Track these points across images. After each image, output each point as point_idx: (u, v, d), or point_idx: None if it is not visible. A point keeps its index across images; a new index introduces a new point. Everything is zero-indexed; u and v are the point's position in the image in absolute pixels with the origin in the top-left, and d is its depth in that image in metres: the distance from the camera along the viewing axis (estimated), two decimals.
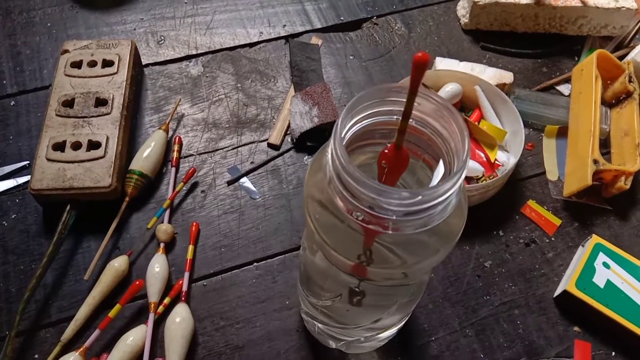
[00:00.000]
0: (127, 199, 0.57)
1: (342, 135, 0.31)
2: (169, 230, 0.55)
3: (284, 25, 0.73)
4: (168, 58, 0.69)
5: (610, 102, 0.66)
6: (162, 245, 0.55)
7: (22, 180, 0.59)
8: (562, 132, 0.65)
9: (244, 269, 0.55)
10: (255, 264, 0.56)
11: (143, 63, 0.68)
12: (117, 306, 0.50)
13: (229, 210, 0.59)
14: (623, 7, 0.70)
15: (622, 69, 0.65)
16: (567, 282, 0.53)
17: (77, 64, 0.62)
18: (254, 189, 0.60)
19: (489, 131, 0.60)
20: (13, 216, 0.57)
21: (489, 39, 0.73)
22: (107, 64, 0.62)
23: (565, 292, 0.53)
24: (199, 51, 0.70)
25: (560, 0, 0.70)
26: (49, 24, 0.71)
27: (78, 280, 0.54)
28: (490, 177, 0.58)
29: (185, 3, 0.75)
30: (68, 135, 0.57)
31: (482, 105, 0.63)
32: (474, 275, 0.56)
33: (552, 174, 0.63)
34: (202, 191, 0.60)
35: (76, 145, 0.56)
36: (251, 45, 0.71)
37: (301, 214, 0.58)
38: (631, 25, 0.74)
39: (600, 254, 0.55)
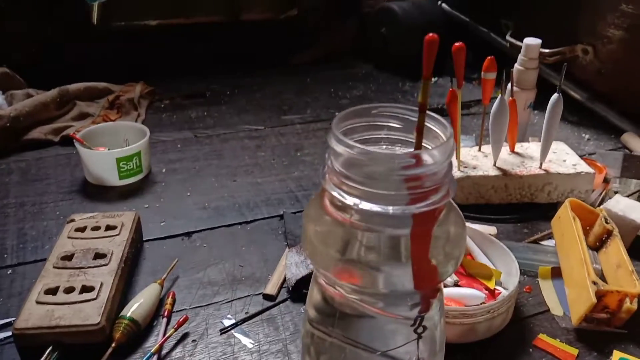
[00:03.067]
0: (113, 344, 0.53)
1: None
2: None
3: (277, 208, 0.79)
4: (168, 235, 0.73)
5: (595, 247, 0.69)
6: None
7: (4, 334, 0.56)
8: (556, 273, 0.66)
9: None
10: None
11: (144, 239, 0.71)
12: None
13: (220, 358, 0.54)
14: (582, 171, 0.78)
15: (597, 213, 0.69)
16: None
17: (81, 229, 0.65)
18: (248, 338, 0.57)
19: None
20: None
21: (468, 211, 0.79)
22: (110, 228, 0.65)
23: None
24: (198, 228, 0.74)
25: (525, 171, 0.79)
26: (57, 212, 0.76)
27: None
28: None
29: (188, 195, 0.82)
30: (63, 281, 0.56)
31: (471, 250, 0.65)
32: None
33: (557, 310, 0.61)
34: (193, 340, 0.56)
35: (69, 290, 0.55)
36: (248, 222, 0.76)
37: (298, 354, 0.54)
38: (595, 194, 0.81)
39: None
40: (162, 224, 0.75)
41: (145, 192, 0.83)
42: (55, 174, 0.87)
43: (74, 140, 0.82)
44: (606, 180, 0.87)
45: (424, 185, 0.30)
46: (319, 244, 0.33)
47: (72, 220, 0.67)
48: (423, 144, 0.33)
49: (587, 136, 1.04)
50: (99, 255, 0.61)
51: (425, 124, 0.33)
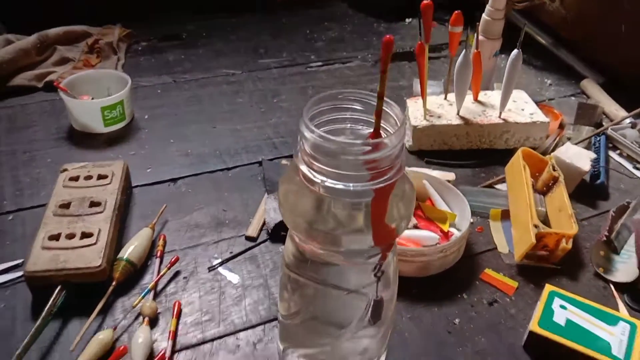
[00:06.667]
0: (114, 283, 0.60)
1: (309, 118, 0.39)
2: (153, 306, 0.58)
3: (257, 155, 0.85)
4: (155, 181, 0.79)
5: (543, 191, 0.77)
6: (146, 319, 0.57)
7: (14, 275, 0.62)
8: (505, 216, 0.74)
9: (225, 340, 0.57)
10: (236, 334, 0.58)
11: (133, 184, 0.77)
12: None
13: (210, 292, 0.62)
14: (537, 121, 0.85)
15: (546, 161, 0.77)
16: (531, 325, 0.57)
17: (74, 179, 0.70)
18: (233, 274, 0.65)
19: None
20: (2, 305, 0.59)
21: (431, 156, 0.86)
22: (101, 177, 0.71)
23: (531, 334, 0.56)
24: (182, 175, 0.80)
25: (486, 120, 0.85)
26: (48, 160, 0.81)
27: (62, 358, 0.54)
28: None
29: (171, 142, 0.87)
30: (64, 228, 0.63)
31: (431, 196, 0.72)
32: (445, 331, 0.59)
33: (503, 248, 0.70)
34: (184, 277, 0.64)
35: (70, 236, 0.62)
36: (229, 169, 0.82)
37: (277, 288, 0.62)
38: (550, 139, 0.89)
39: (556, 298, 0.59)
40: (148, 170, 0.81)
41: (130, 138, 0.87)
42: (41, 120, 0.90)
43: (59, 90, 0.85)
44: (561, 126, 0.94)
45: (380, 166, 0.36)
46: (291, 210, 0.40)
47: (65, 170, 0.72)
48: (381, 125, 0.39)
49: (549, 81, 1.10)
50: (94, 204, 0.67)
51: (383, 108, 0.38)
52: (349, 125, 0.42)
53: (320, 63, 1.13)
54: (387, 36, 0.35)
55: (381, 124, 0.39)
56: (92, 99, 0.88)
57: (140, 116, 0.93)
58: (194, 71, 1.08)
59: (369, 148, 0.36)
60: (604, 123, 0.96)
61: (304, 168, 0.38)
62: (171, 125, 0.91)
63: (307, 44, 1.22)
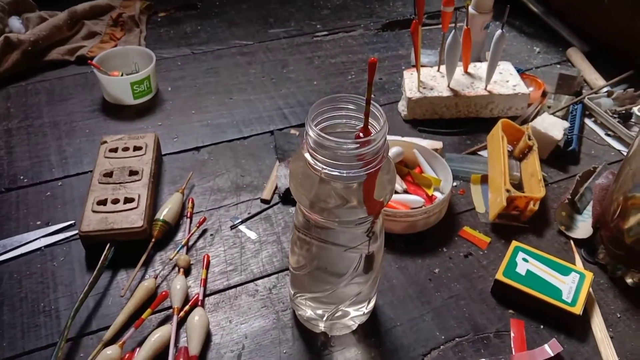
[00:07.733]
0: (153, 240, 0.73)
1: (314, 123, 0.49)
2: (186, 258, 0.71)
3: (269, 124, 0.96)
4: (181, 149, 0.90)
5: (519, 157, 0.88)
6: (181, 270, 0.70)
7: (68, 234, 0.75)
8: (484, 180, 0.85)
9: (246, 286, 0.70)
10: (255, 281, 0.71)
11: (163, 153, 0.89)
12: (149, 310, 0.64)
13: (232, 247, 0.75)
14: (519, 92, 0.95)
15: (523, 131, 0.87)
16: (497, 274, 0.69)
17: (114, 150, 0.82)
18: (251, 231, 0.77)
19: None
20: (62, 259, 0.72)
21: (423, 125, 0.96)
22: (137, 148, 0.82)
23: (496, 281, 0.69)
24: (205, 143, 0.91)
25: (473, 92, 0.95)
26: (87, 131, 0.93)
27: (114, 303, 0.68)
28: None
29: (193, 113, 0.98)
30: (109, 194, 0.75)
31: (420, 163, 0.83)
32: (426, 279, 0.72)
33: (480, 208, 0.82)
34: (211, 234, 0.77)
35: (115, 201, 0.74)
36: (245, 138, 0.93)
37: (289, 244, 0.74)
38: (532, 108, 0.99)
39: (519, 252, 0.71)
40: (174, 139, 0.92)
41: (157, 110, 0.98)
42: (76, 93, 1.01)
43: (92, 67, 0.95)
44: (544, 95, 1.03)
45: (367, 157, 0.47)
46: (298, 188, 0.51)
47: (105, 142, 0.83)
48: (370, 121, 0.50)
49: (537, 49, 1.18)
50: (132, 172, 0.78)
51: (371, 109, 0.49)
52: (344, 120, 0.52)
53: (325, 32, 1.22)
54: (372, 58, 0.46)
55: (370, 120, 0.50)
56: (122, 74, 0.98)
57: (164, 88, 1.03)
58: (210, 42, 1.17)
59: (358, 145, 0.47)
60: (583, 91, 1.05)
61: (308, 157, 0.49)
62: (192, 97, 1.02)
63: (313, 11, 1.30)
